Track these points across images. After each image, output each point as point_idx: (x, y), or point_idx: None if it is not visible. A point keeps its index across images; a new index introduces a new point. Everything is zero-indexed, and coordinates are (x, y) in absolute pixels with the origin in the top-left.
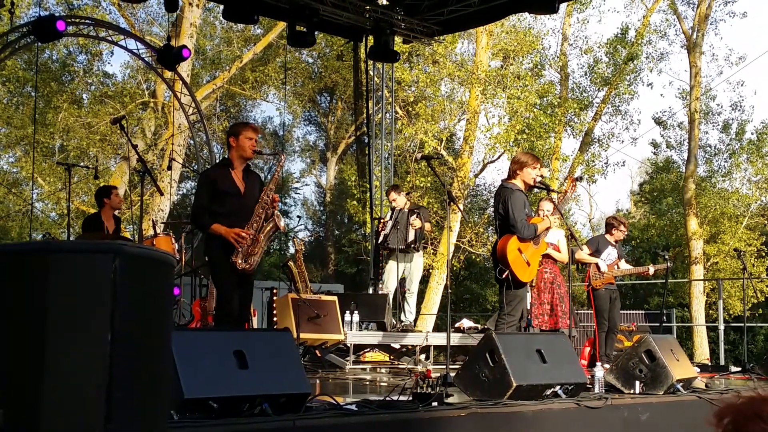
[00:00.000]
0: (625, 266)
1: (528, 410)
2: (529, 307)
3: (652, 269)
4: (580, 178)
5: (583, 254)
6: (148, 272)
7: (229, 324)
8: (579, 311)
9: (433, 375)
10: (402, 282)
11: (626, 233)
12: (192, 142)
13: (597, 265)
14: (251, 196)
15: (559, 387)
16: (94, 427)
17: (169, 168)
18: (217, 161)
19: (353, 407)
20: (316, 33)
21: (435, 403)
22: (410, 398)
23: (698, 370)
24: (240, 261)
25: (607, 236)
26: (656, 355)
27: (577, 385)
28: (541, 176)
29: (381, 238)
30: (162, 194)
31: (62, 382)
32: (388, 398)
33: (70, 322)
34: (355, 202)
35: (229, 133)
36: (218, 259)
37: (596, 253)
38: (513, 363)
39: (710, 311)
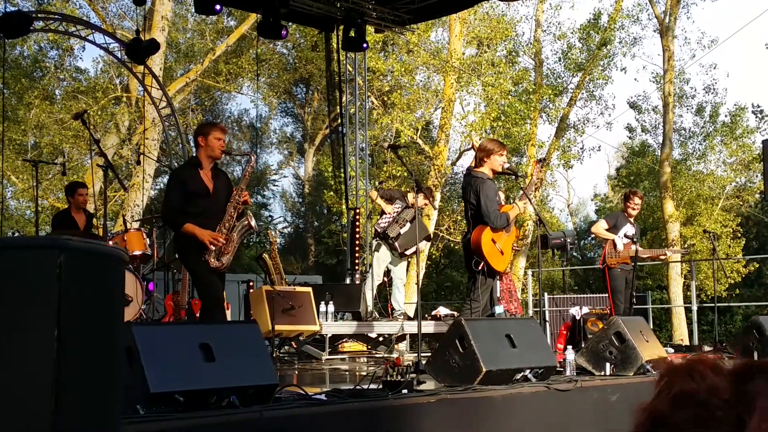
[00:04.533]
0: (642, 250)
1: (498, 395)
2: (498, 294)
3: (668, 253)
4: (542, 160)
5: (600, 229)
6: (96, 267)
7: (218, 310)
8: (558, 296)
9: (403, 363)
10: (387, 272)
11: (639, 207)
12: (165, 136)
13: (614, 242)
14: (220, 196)
15: (529, 371)
16: (42, 426)
17: (138, 163)
18: (186, 160)
19: (322, 397)
20: (289, 24)
21: (405, 391)
22: (380, 386)
23: (672, 350)
24: (213, 260)
25: (626, 212)
26: (625, 337)
27: (547, 369)
28: (508, 163)
29: (386, 225)
30: (126, 190)
31: (8, 380)
32: (358, 387)
33: (15, 319)
34: (332, 193)
35: (197, 132)
36: (192, 256)
37: (614, 228)
38: (482, 348)
39: (688, 293)
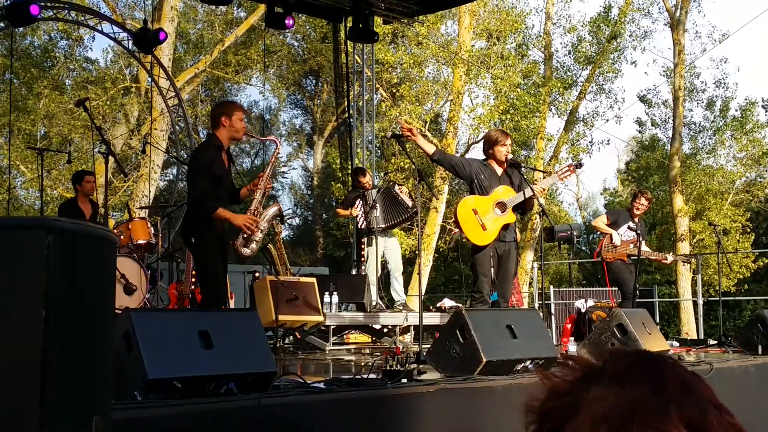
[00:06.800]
0: (644, 248)
1: (497, 385)
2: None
3: (670, 257)
4: (579, 165)
5: (600, 223)
6: (85, 248)
7: (219, 303)
8: (564, 289)
9: (402, 352)
10: (383, 263)
11: (645, 208)
12: (174, 128)
13: (611, 236)
14: (230, 177)
15: (529, 361)
16: (28, 411)
17: (143, 151)
18: (204, 141)
19: (321, 385)
20: (296, 14)
21: (404, 380)
22: (379, 376)
23: (677, 344)
24: (243, 248)
25: (631, 211)
26: (628, 329)
27: (548, 360)
28: (511, 154)
29: (363, 223)
30: (126, 175)
31: None
32: (357, 376)
33: (0, 300)
34: (340, 185)
35: (219, 112)
36: (209, 241)
37: (614, 225)
38: (483, 339)
39: (696, 288)
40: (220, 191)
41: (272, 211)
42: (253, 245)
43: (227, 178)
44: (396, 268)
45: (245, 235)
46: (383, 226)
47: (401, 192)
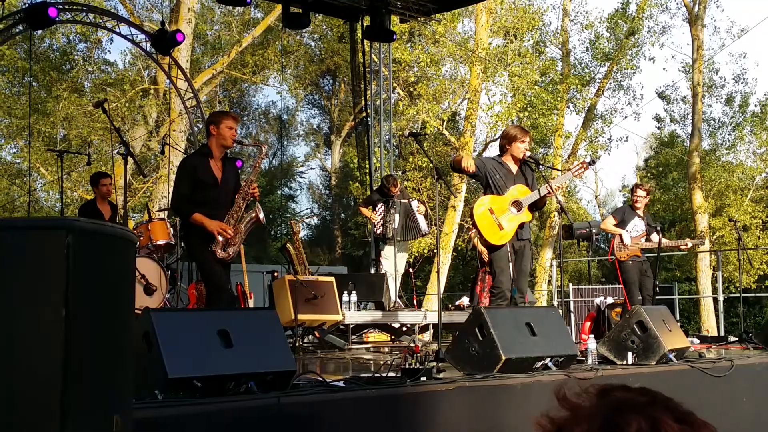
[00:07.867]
0: (656, 239)
1: (517, 383)
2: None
3: (689, 243)
4: (593, 162)
5: (608, 224)
6: (105, 248)
7: (226, 300)
8: (583, 286)
9: (420, 351)
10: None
11: (645, 199)
12: (193, 129)
13: (621, 236)
14: (228, 185)
15: (549, 359)
16: (50, 411)
17: (162, 152)
18: (196, 149)
19: (341, 383)
20: (313, 14)
21: (424, 378)
22: (399, 374)
23: (697, 341)
24: (219, 250)
25: (633, 205)
26: (648, 326)
27: (568, 357)
28: (530, 151)
29: (381, 229)
30: (144, 176)
31: (17, 361)
32: (376, 375)
33: (23, 300)
34: (358, 185)
35: (209, 121)
36: (197, 245)
37: (621, 224)
38: (502, 337)
39: (716, 284)
40: (207, 196)
41: (251, 216)
42: (231, 249)
43: (219, 183)
44: (398, 271)
45: (221, 241)
46: (398, 239)
47: (418, 211)
